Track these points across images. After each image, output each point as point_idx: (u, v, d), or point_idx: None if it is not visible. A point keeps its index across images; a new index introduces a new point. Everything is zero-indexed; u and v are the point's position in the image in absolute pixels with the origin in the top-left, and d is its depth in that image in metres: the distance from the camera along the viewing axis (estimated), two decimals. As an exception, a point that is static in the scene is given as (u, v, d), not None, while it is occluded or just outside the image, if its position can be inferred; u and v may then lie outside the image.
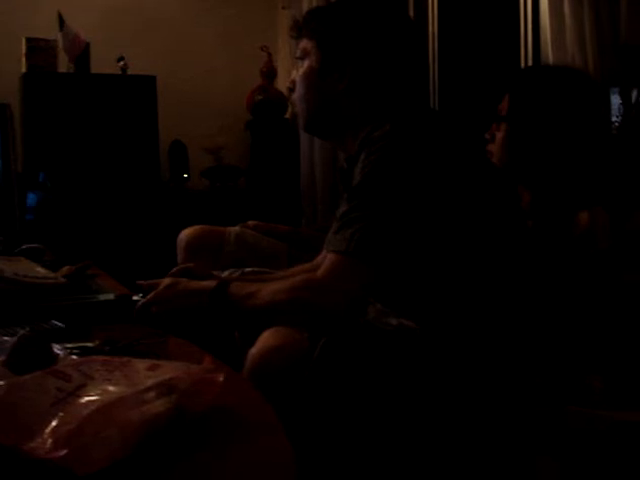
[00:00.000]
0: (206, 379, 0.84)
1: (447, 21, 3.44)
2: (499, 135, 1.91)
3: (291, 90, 1.75)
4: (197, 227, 2.39)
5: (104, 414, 0.74)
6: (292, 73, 1.74)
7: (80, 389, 0.80)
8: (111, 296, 1.76)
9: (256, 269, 2.13)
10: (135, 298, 1.58)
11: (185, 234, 2.36)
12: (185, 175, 4.26)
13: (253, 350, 1.38)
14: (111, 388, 0.80)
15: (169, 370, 0.84)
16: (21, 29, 3.77)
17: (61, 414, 0.74)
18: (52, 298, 1.81)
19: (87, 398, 0.78)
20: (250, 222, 2.46)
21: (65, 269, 2.17)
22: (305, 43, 1.64)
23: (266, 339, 1.38)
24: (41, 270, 2.01)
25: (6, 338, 1.01)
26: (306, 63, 1.63)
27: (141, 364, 0.86)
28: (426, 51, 3.46)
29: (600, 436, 1.47)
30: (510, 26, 3.05)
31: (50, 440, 0.70)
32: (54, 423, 0.73)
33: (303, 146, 4.19)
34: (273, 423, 0.83)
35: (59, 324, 1.39)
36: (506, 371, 1.40)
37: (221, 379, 0.85)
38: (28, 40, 3.69)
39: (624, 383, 1.56)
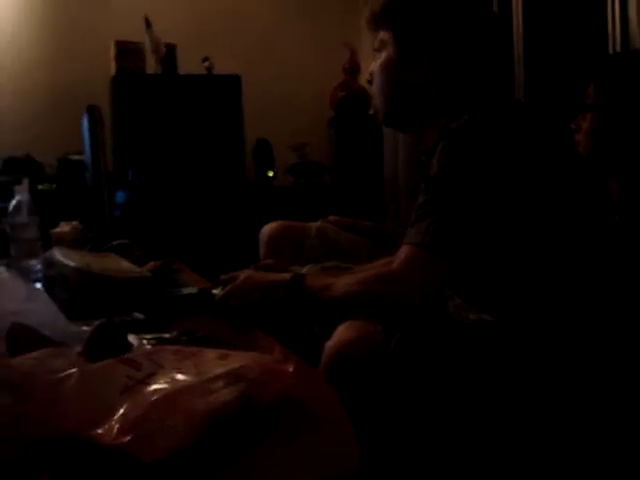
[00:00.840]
0: (275, 369, 0.84)
1: (532, 9, 3.36)
2: (585, 125, 1.84)
3: (370, 82, 1.74)
4: (279, 222, 2.39)
5: (170, 402, 0.74)
6: (371, 65, 1.73)
7: (150, 377, 0.81)
8: (193, 290, 1.79)
9: (336, 264, 2.13)
10: (214, 291, 1.60)
11: (267, 229, 2.38)
12: (270, 173, 4.30)
13: (329, 343, 1.37)
14: (180, 377, 0.81)
15: (239, 359, 0.84)
16: (110, 33, 3.88)
17: (129, 402, 0.75)
18: (137, 292, 1.86)
19: (155, 386, 0.78)
20: (331, 217, 2.46)
21: (151, 264, 2.22)
22: (382, 34, 1.63)
23: (341, 332, 1.37)
24: (128, 265, 2.06)
25: (85, 328, 1.03)
26: (384, 54, 1.62)
27: (211, 354, 0.86)
28: (510, 39, 3.39)
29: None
30: (597, 13, 2.95)
31: (116, 426, 0.70)
32: (121, 410, 0.73)
33: (387, 141, 4.16)
34: (340, 415, 0.82)
35: (140, 316, 1.42)
36: (587, 366, 1.35)
37: (291, 370, 0.85)
38: (117, 43, 3.80)
39: None
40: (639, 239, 1.73)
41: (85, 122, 2.68)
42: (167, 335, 1.21)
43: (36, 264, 2.00)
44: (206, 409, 0.75)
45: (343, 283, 1.37)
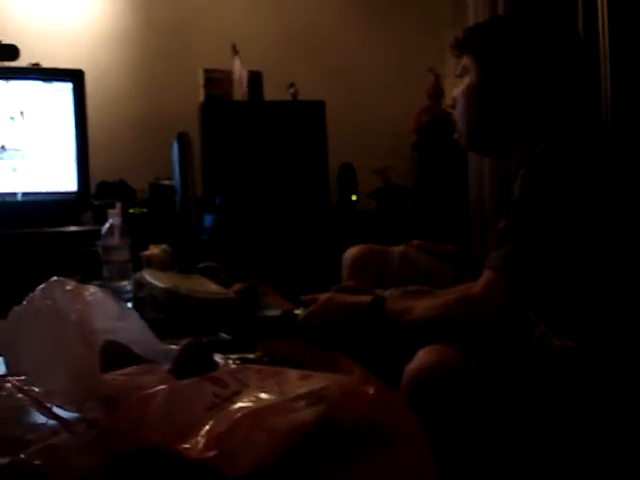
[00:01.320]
0: (356, 391, 0.86)
1: (618, 29, 3.30)
2: None
3: (452, 107, 1.75)
4: (362, 246, 2.41)
5: (254, 419, 0.76)
6: (453, 91, 1.74)
7: (235, 395, 0.84)
8: (277, 312, 1.83)
9: (418, 288, 2.13)
10: (297, 312, 1.63)
11: (350, 253, 2.40)
12: (354, 197, 4.33)
13: (410, 366, 1.38)
14: (263, 395, 0.83)
15: (320, 380, 0.86)
16: (199, 61, 4.00)
17: (215, 418, 0.78)
18: (222, 312, 1.92)
19: (240, 404, 0.81)
20: (415, 241, 2.46)
21: (236, 286, 2.28)
22: (465, 60, 1.65)
23: (422, 356, 1.38)
24: (214, 287, 2.12)
25: (173, 347, 1.07)
26: (466, 80, 1.64)
27: (293, 374, 0.88)
28: (597, 62, 3.33)
29: None
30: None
31: (202, 441, 0.73)
32: (207, 426, 0.76)
33: (471, 165, 4.14)
34: (418, 436, 0.83)
35: (225, 336, 1.46)
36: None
37: (371, 392, 0.86)
38: (206, 71, 3.91)
39: None
40: None
41: (175, 148, 2.77)
42: (251, 355, 1.24)
43: (127, 285, 2.07)
44: (288, 428, 0.78)
45: (423, 306, 1.39)
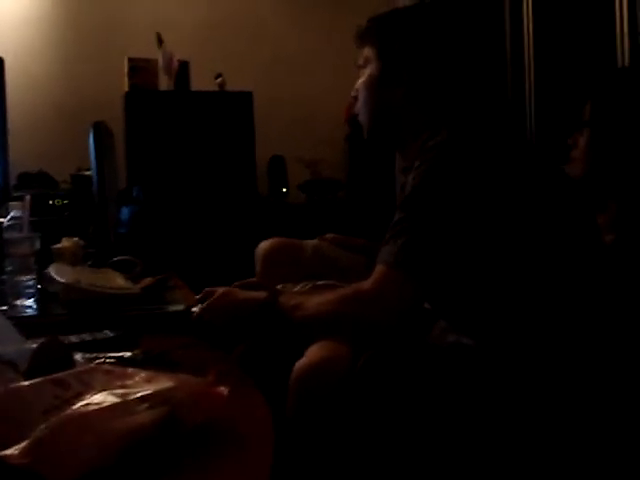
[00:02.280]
0: (206, 392, 0.83)
1: (543, 26, 3.33)
2: (582, 141, 1.82)
3: (355, 99, 1.73)
4: (274, 240, 2.38)
5: (84, 422, 0.73)
6: (357, 82, 1.73)
7: (76, 397, 0.81)
8: (180, 307, 1.79)
9: (330, 282, 2.11)
10: (194, 309, 1.60)
11: (262, 247, 2.36)
12: (284, 189, 4.30)
13: (299, 363, 1.36)
14: (105, 397, 0.80)
15: (167, 382, 0.83)
16: (124, 49, 3.93)
17: (47, 421, 0.74)
18: (123, 307, 1.87)
19: (77, 407, 0.78)
20: (328, 235, 2.44)
21: (146, 280, 2.23)
22: (366, 51, 1.63)
23: (312, 352, 1.36)
24: (121, 281, 2.07)
25: (34, 346, 1.02)
26: (367, 71, 1.62)
27: (142, 375, 0.86)
28: (522, 56, 3.36)
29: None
30: (607, 29, 2.91)
31: (25, 446, 0.70)
32: (37, 430, 0.73)
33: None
34: (267, 436, 0.80)
35: (109, 333, 1.42)
36: (565, 393, 1.31)
37: (224, 393, 0.84)
38: (130, 60, 3.84)
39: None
40: (636, 257, 1.69)
41: (91, 138, 2.70)
42: (129, 354, 1.20)
43: (28, 280, 2.01)
44: (124, 429, 0.75)
45: (315, 302, 1.36)
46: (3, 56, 3.47)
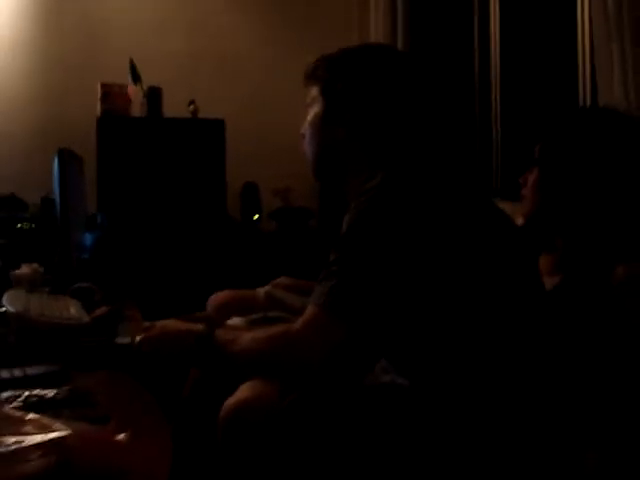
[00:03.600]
0: (101, 440, 0.84)
1: (509, 64, 3.39)
2: (531, 179, 1.84)
3: (303, 137, 1.75)
4: (226, 292, 2.38)
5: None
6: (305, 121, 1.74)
7: (-29, 443, 0.81)
8: (126, 340, 1.79)
9: (282, 314, 2.12)
10: (137, 339, 1.60)
11: (214, 299, 2.36)
12: (255, 216, 4.32)
13: (228, 401, 1.37)
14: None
15: (64, 429, 0.84)
16: (97, 74, 3.96)
17: None
18: (70, 338, 1.87)
19: (-31, 453, 0.78)
20: (281, 279, 2.45)
21: (100, 310, 2.23)
22: (313, 90, 1.65)
23: (241, 390, 1.37)
24: (74, 310, 2.06)
25: None
26: (313, 110, 1.64)
27: (40, 421, 0.86)
28: (489, 95, 3.41)
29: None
30: (570, 70, 2.97)
31: None
32: None
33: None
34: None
35: (42, 369, 1.41)
36: (496, 439, 1.32)
37: (122, 439, 0.85)
38: (103, 85, 3.86)
39: (620, 459, 1.45)
40: (580, 299, 1.71)
41: (55, 164, 2.71)
42: (53, 392, 1.20)
43: (-21, 306, 2.01)
44: (14, 476, 0.75)
45: (248, 338, 1.37)
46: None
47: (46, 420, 0.86)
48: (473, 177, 1.57)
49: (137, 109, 3.94)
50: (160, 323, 1.56)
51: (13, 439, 0.80)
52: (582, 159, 1.75)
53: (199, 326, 1.48)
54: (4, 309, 1.97)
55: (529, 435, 1.33)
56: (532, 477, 1.32)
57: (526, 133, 3.20)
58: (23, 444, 0.79)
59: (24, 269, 2.50)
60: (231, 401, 1.36)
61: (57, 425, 0.85)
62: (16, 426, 0.84)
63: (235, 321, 2.08)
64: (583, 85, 2.79)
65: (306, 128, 1.68)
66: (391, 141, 1.56)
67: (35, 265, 2.52)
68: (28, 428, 0.84)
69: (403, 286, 1.33)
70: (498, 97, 3.30)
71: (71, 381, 1.32)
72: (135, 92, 3.91)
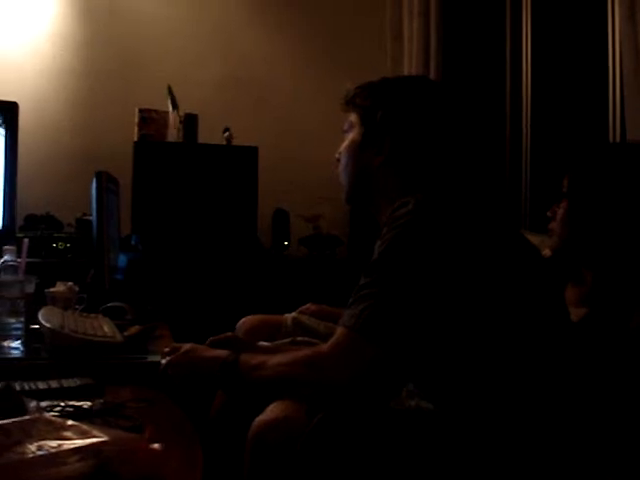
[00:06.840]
0: (136, 447, 0.87)
1: (540, 96, 3.41)
2: (560, 212, 1.87)
3: (338, 162, 1.78)
4: (255, 317, 2.43)
5: (12, 471, 0.77)
6: (341, 146, 1.79)
7: (15, 445, 0.85)
8: (158, 358, 1.83)
9: (309, 340, 2.15)
10: (163, 361, 1.64)
11: (243, 323, 2.41)
12: (285, 242, 4.36)
13: (256, 420, 1.40)
14: (41, 447, 0.84)
15: (102, 436, 0.88)
16: (135, 100, 4.05)
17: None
18: (103, 355, 1.92)
19: (14, 454, 0.82)
20: (307, 306, 2.49)
21: (133, 329, 2.28)
22: (352, 116, 1.69)
23: (270, 410, 1.40)
24: (107, 329, 2.11)
25: None
26: (350, 136, 1.68)
27: (80, 428, 0.90)
28: (519, 132, 3.43)
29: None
30: (600, 103, 3.00)
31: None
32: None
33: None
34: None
35: (78, 382, 1.46)
36: (520, 467, 1.33)
37: (156, 448, 0.88)
38: (140, 111, 3.95)
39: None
40: (608, 327, 1.72)
41: (93, 186, 2.78)
42: (88, 404, 1.25)
43: (16, 322, 2.07)
44: (53, 478, 0.79)
45: (275, 362, 1.40)
46: (19, 101, 3.60)
47: (85, 426, 0.90)
48: (502, 207, 1.60)
49: (173, 135, 4.02)
50: (186, 346, 1.59)
51: (54, 443, 0.84)
52: (610, 193, 1.77)
53: (224, 352, 1.51)
54: (39, 325, 2.03)
55: (554, 465, 1.34)
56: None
57: (555, 166, 3.22)
58: (63, 447, 0.83)
59: (59, 287, 2.56)
60: (260, 420, 1.38)
61: (96, 431, 0.88)
62: (57, 431, 0.88)
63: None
64: (613, 119, 2.82)
65: (342, 153, 1.72)
66: (425, 169, 1.59)
67: (70, 284, 2.59)
68: (68, 433, 0.88)
69: (433, 311, 1.35)
70: (529, 130, 3.33)
71: (105, 394, 1.36)
72: (172, 118, 3.98)
